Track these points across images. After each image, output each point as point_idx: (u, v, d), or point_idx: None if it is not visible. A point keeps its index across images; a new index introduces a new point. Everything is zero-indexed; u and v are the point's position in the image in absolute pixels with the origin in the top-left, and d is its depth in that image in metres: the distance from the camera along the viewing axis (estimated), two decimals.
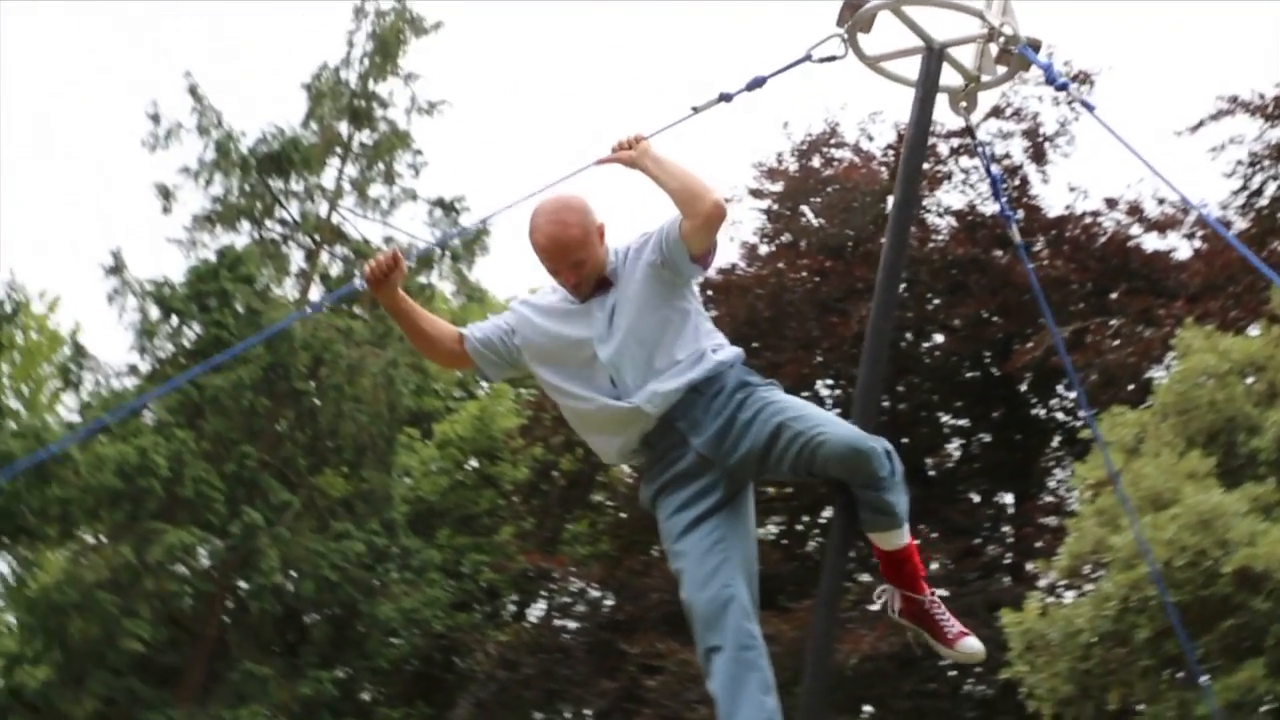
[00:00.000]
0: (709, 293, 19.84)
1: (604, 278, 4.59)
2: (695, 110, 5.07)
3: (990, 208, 19.34)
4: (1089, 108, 5.12)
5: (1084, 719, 11.62)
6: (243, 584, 24.12)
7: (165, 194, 25.76)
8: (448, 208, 26.85)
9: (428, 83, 27.14)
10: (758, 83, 5.16)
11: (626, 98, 50.15)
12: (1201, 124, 17.83)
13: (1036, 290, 6.92)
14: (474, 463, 28.11)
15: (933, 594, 4.69)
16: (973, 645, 4.63)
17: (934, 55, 5.05)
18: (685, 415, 4.49)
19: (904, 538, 4.58)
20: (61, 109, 49.77)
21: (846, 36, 5.14)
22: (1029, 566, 14.32)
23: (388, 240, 26.11)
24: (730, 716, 4.27)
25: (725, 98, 5.16)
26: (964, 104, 5.27)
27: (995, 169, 6.08)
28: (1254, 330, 14.17)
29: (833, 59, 5.15)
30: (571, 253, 4.50)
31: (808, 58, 5.17)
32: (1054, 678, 11.33)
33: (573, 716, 20.91)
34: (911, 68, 5.14)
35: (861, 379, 4.69)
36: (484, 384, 30.94)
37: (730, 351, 4.58)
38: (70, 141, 49.49)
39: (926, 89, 5.05)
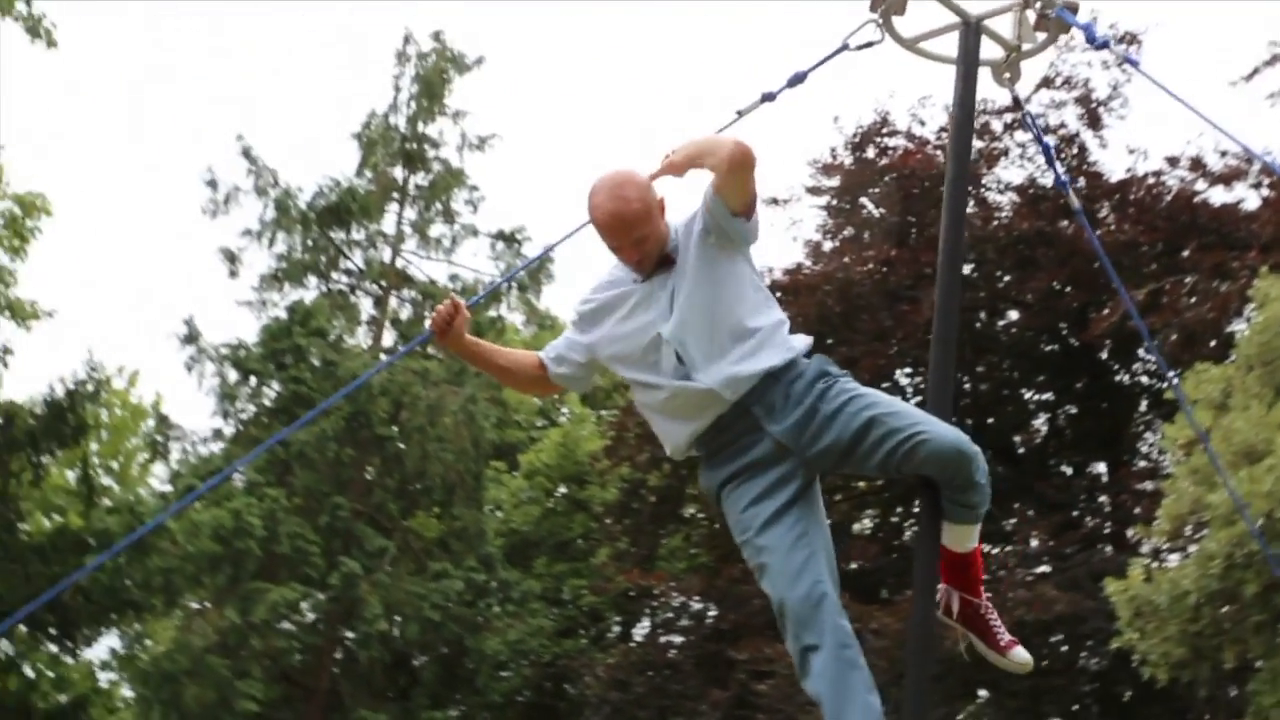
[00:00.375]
0: (778, 294, 19.81)
1: (666, 255, 4.51)
2: (740, 114, 5.07)
3: (1050, 179, 19.17)
4: (1133, 64, 5.10)
5: (1201, 680, 11.48)
6: (349, 634, 24.33)
7: (230, 258, 26.10)
8: (509, 240, 27.00)
9: (476, 118, 27.31)
10: (798, 79, 5.16)
11: (669, 106, 50.28)
12: (1256, 71, 17.59)
13: (1100, 252, 6.89)
14: (563, 489, 28.18)
15: (988, 600, 4.69)
16: (1022, 655, 4.65)
17: (971, 29, 5.02)
18: (761, 400, 4.40)
19: (975, 539, 4.59)
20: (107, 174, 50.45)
21: (881, 21, 5.13)
22: (1129, 534, 14.15)
23: (453, 278, 26.29)
24: (839, 717, 4.21)
25: (768, 97, 5.17)
26: (1007, 75, 5.24)
27: (1048, 139, 6.06)
28: None
29: (870, 45, 5.15)
30: (633, 229, 4.43)
31: (845, 47, 5.17)
32: (1165, 642, 11.20)
33: None
34: (951, 45, 5.11)
35: (933, 362, 4.66)
36: (565, 409, 31.08)
37: (804, 339, 4.53)
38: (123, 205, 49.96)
39: (967, 64, 5.02)
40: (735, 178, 4.36)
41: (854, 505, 21.10)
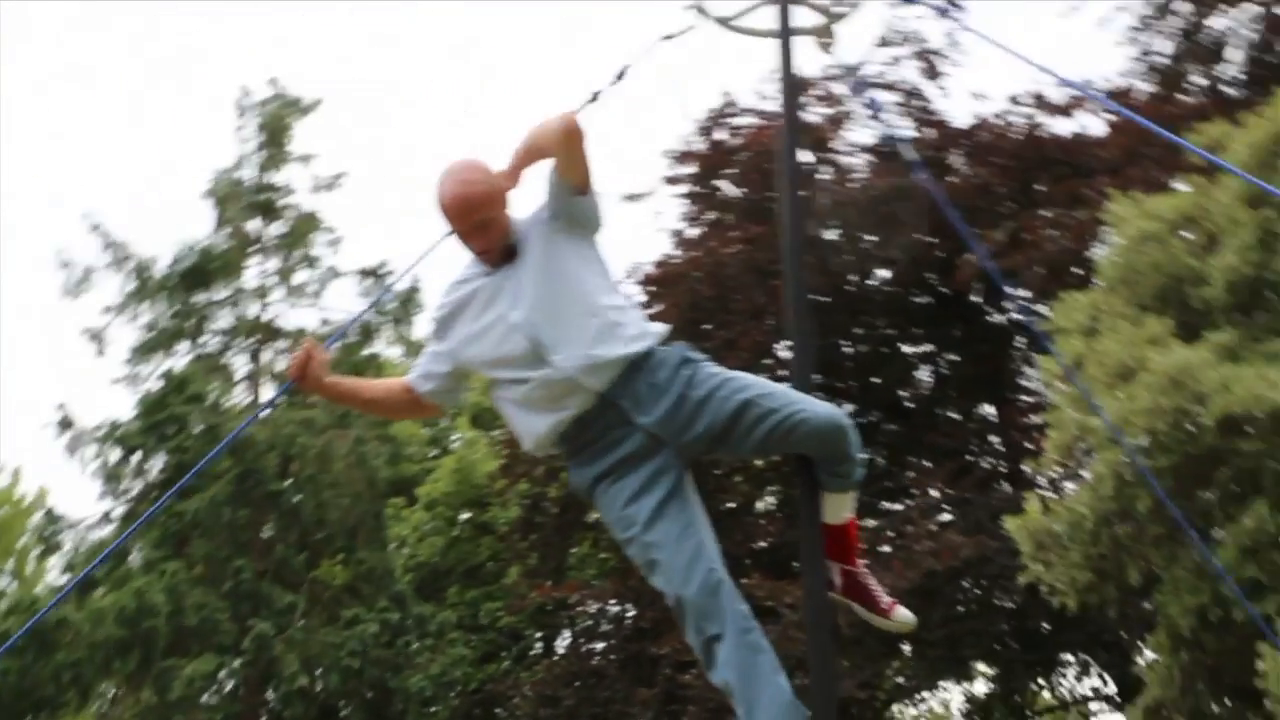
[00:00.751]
0: (651, 288, 19.87)
1: (510, 247, 4.50)
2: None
3: (902, 134, 19.35)
4: (943, 12, 5.17)
5: (1109, 601, 11.67)
6: (270, 696, 23.98)
7: (95, 337, 25.64)
8: (374, 275, 26.78)
9: (322, 160, 27.11)
10: (621, 75, 5.18)
11: (507, 113, 50.26)
12: None
13: (940, 200, 6.96)
14: (465, 515, 28.00)
15: (865, 566, 4.73)
16: (904, 614, 4.70)
17: (784, 1, 5.08)
18: (626, 393, 4.35)
19: (852, 509, 4.64)
20: None
21: (697, 6, 5.17)
22: (1024, 469, 14.34)
23: (324, 323, 26.00)
24: (751, 704, 4.15)
25: (595, 96, 5.18)
26: (827, 40, 5.30)
27: (891, 95, 6.14)
28: (1179, 186, 14.24)
29: (685, 31, 5.18)
30: (477, 210, 4.42)
31: (666, 37, 5.19)
32: (1070, 569, 11.37)
33: None
34: (770, 19, 5.17)
35: (791, 329, 4.68)
36: (456, 435, 30.90)
37: (661, 326, 4.50)
38: None
39: (785, 35, 5.07)
40: (569, 152, 4.36)
41: (755, 485, 21.19)
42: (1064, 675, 20.97)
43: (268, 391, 25.95)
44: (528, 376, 4.38)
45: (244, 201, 26.14)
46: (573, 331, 4.34)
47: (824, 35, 5.30)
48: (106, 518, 24.97)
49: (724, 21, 5.23)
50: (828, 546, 4.67)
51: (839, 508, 4.61)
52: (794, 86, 5.14)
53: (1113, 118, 18.85)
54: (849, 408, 20.92)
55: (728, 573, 4.34)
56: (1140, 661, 12.04)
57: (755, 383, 4.40)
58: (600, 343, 4.33)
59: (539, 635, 26.07)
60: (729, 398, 4.34)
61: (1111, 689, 20.14)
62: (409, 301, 26.21)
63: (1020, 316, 19.29)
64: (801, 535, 4.51)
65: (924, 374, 22.08)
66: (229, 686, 23.81)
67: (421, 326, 26.58)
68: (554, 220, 4.48)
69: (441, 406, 4.84)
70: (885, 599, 4.72)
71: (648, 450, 4.37)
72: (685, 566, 4.26)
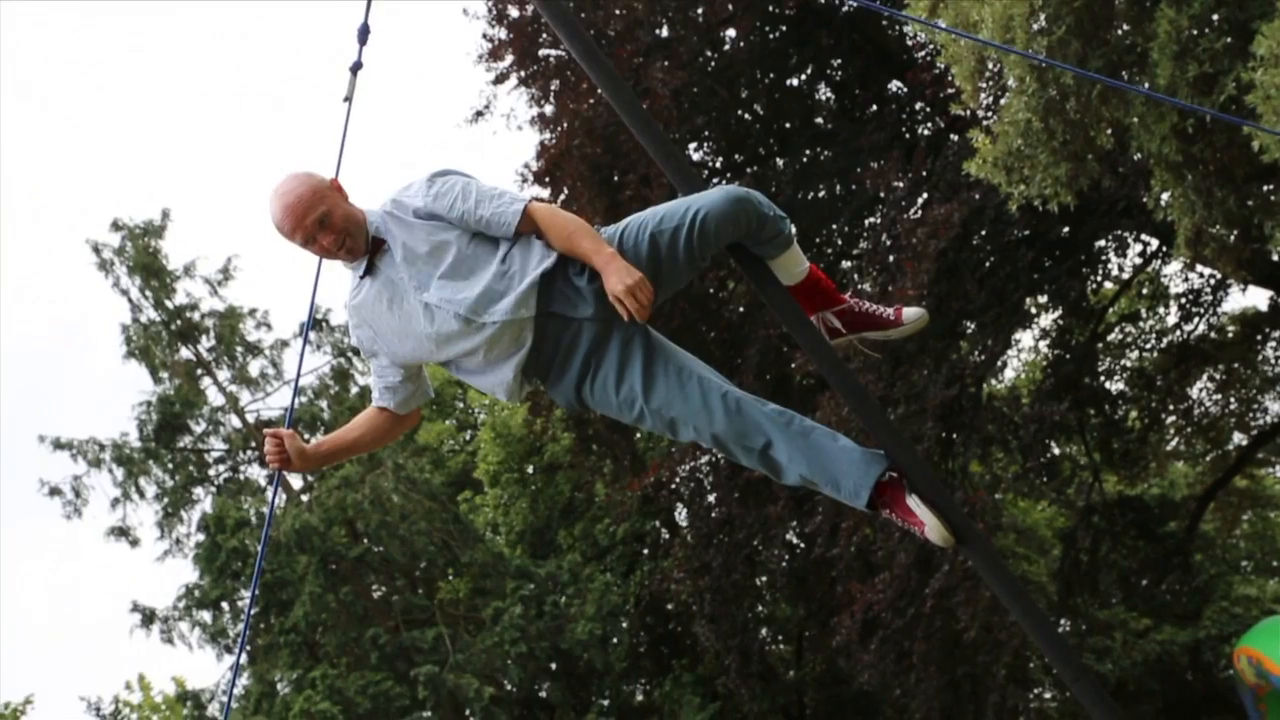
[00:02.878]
0: (546, 179, 19.67)
1: (375, 238, 4.49)
2: (348, 99, 5.00)
3: None
4: None
5: (1099, 173, 11.68)
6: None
7: (122, 533, 25.78)
8: (320, 326, 26.78)
9: (206, 257, 26.96)
10: (363, 32, 5.07)
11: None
12: None
13: None
14: (528, 469, 28.19)
15: (852, 296, 4.80)
16: (913, 311, 4.73)
17: None
18: (555, 299, 4.39)
19: (804, 260, 4.63)
20: None
21: None
22: (952, 112, 14.20)
23: (300, 392, 26.01)
24: (834, 478, 4.24)
25: (356, 67, 5.08)
26: None
27: None
28: None
29: None
30: (309, 210, 4.38)
31: None
32: (1047, 170, 11.29)
33: None
34: None
35: (650, 150, 4.62)
36: (479, 410, 30.91)
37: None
38: None
39: None
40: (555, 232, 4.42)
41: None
42: (1107, 261, 21.09)
43: (296, 481, 26.02)
44: (474, 344, 4.40)
45: (164, 339, 26.02)
46: (486, 282, 4.36)
47: None
48: (237, 669, 25.21)
49: None
50: (807, 305, 4.69)
51: (791, 265, 4.61)
52: None
53: None
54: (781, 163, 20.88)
55: (737, 387, 4.38)
56: (1162, 204, 12.01)
57: (649, 214, 4.43)
58: (517, 280, 4.35)
59: (658, 524, 26.30)
60: (637, 243, 4.38)
61: (1153, 244, 20.27)
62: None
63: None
64: (779, 314, 4.48)
65: (823, 94, 21.94)
66: None
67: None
68: (442, 219, 4.44)
69: (419, 410, 4.88)
70: (888, 310, 4.75)
71: (603, 333, 4.42)
72: (701, 407, 4.32)
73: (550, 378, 4.51)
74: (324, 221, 4.40)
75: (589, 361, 4.43)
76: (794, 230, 4.54)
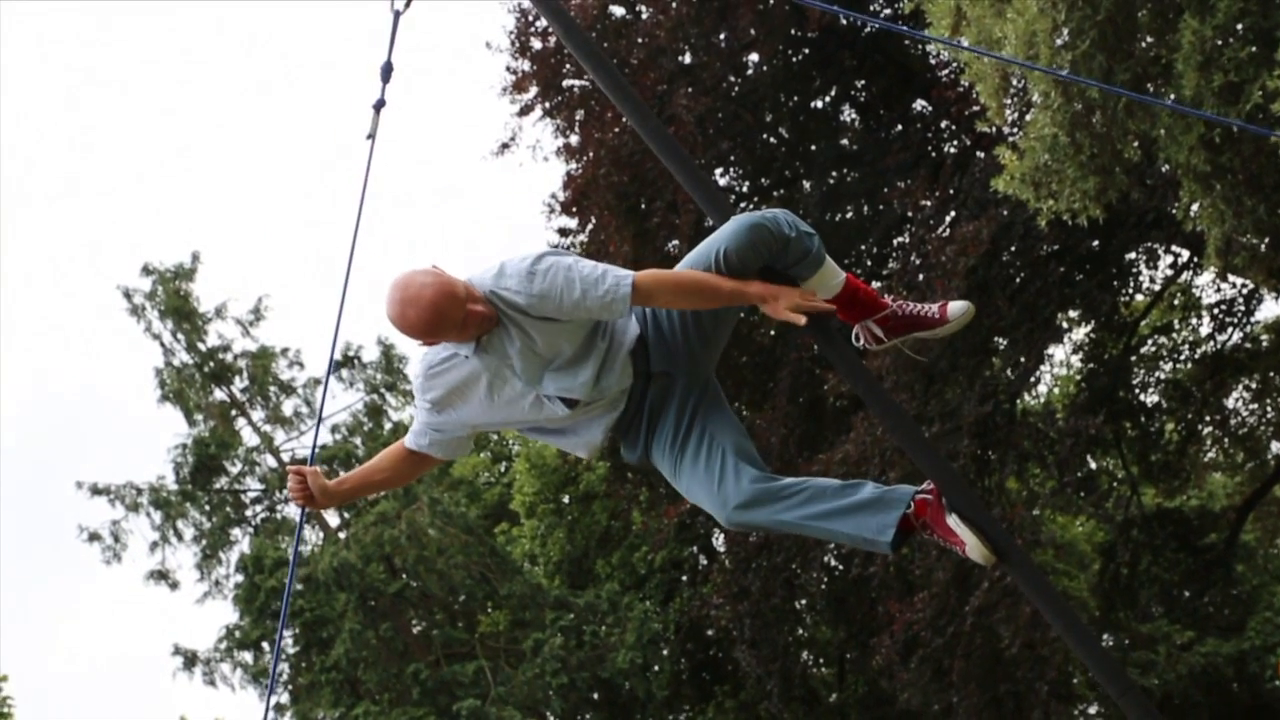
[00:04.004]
0: (573, 209, 19.73)
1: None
2: (370, 137, 5.00)
3: None
4: None
5: (1126, 186, 11.63)
6: None
7: (162, 576, 25.87)
8: (350, 363, 26.89)
9: (237, 298, 27.11)
10: (386, 70, 5.09)
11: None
12: None
13: None
14: (564, 499, 28.19)
15: (895, 299, 4.69)
16: (958, 305, 4.66)
17: None
18: (638, 359, 4.49)
19: (839, 273, 4.58)
20: None
21: None
22: (978, 128, 14.17)
23: (333, 430, 26.15)
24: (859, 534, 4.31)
25: (379, 105, 5.08)
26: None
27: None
28: None
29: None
30: (447, 329, 4.20)
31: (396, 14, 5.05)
32: (1075, 185, 11.26)
33: None
34: None
35: (682, 179, 4.64)
36: (513, 442, 30.93)
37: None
38: None
39: None
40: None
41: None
42: (1138, 273, 20.99)
43: (332, 519, 26.10)
44: (571, 414, 4.48)
45: (198, 381, 26.17)
46: (593, 365, 4.39)
47: None
48: (279, 709, 25.29)
49: None
50: (846, 314, 4.67)
51: (826, 280, 4.55)
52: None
53: None
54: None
55: (758, 465, 4.43)
56: (1191, 214, 11.95)
57: (686, 261, 4.46)
58: (613, 355, 4.42)
59: (695, 550, 26.26)
60: None
61: (1184, 255, 20.17)
62: (389, 366, 26.32)
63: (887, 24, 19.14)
64: (819, 342, 4.49)
65: (848, 115, 21.96)
66: None
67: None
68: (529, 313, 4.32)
69: (444, 458, 4.80)
70: (933, 308, 4.68)
71: (665, 389, 4.52)
72: (716, 478, 4.40)
73: (624, 435, 4.60)
74: (461, 326, 4.23)
75: (656, 415, 4.54)
76: (822, 246, 4.52)
